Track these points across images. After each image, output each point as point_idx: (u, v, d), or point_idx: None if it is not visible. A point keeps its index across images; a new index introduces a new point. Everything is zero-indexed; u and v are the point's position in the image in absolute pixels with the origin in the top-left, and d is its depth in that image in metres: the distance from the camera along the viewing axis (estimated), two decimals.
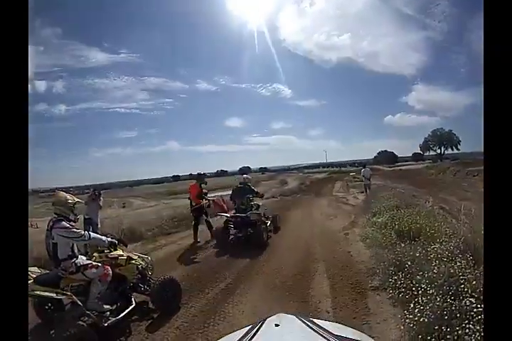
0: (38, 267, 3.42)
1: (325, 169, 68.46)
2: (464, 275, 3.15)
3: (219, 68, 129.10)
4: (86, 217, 7.12)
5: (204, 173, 8.09)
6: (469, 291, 2.83)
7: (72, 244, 3.31)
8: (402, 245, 5.02)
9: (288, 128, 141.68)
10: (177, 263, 6.04)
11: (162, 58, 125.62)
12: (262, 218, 7.27)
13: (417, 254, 4.22)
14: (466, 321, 2.47)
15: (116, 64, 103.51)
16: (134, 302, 3.60)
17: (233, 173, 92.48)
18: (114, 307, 3.39)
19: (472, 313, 2.51)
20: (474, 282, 2.95)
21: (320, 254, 5.89)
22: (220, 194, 12.56)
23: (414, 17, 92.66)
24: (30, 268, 3.20)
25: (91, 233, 3.43)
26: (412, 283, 3.50)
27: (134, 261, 3.81)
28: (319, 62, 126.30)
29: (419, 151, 72.28)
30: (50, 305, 3.29)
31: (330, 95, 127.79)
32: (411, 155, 79.00)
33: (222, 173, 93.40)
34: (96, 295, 3.22)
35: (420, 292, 3.13)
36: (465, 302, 2.66)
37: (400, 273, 3.91)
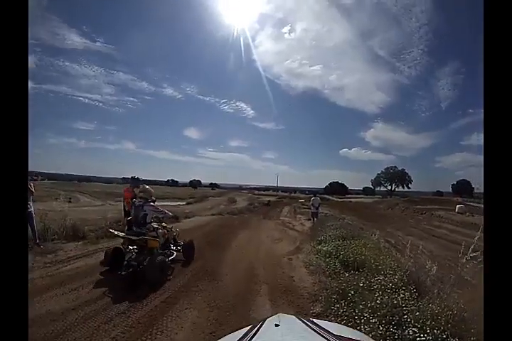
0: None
1: (275, 193, 69.90)
2: (407, 307, 3.33)
3: (187, 76, 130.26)
4: None
5: (138, 177, 8.10)
6: (412, 321, 2.98)
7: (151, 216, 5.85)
8: (346, 274, 5.23)
9: (244, 148, 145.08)
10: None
11: (136, 55, 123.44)
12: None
13: (361, 284, 4.38)
14: None
15: (90, 51, 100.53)
16: (175, 252, 6.33)
17: (183, 184, 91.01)
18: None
19: None
20: (417, 313, 3.12)
21: (263, 277, 5.85)
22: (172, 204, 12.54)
23: (387, 59, 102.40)
24: (118, 232, 5.76)
25: (165, 210, 6.03)
26: (354, 311, 3.59)
27: (173, 230, 6.80)
28: (286, 88, 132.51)
29: (370, 186, 77.69)
30: (117, 254, 5.55)
31: (290, 121, 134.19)
32: (362, 188, 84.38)
33: (173, 183, 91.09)
34: (160, 245, 5.82)
35: (363, 320, 3.23)
36: (408, 332, 2.79)
37: (342, 302, 4.02)
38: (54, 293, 4.39)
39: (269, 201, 35.85)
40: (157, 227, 6.01)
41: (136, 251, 5.53)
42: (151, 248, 5.51)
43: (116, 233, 5.79)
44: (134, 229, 5.68)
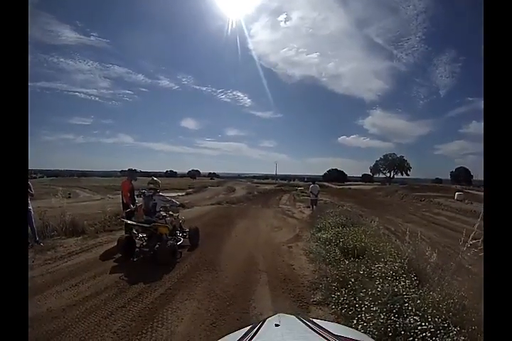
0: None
1: (273, 181, 70.04)
2: (408, 295, 3.33)
3: (184, 67, 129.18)
4: None
5: (135, 169, 8.14)
6: (413, 310, 2.99)
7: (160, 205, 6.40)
8: (346, 262, 5.23)
9: (242, 137, 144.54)
10: (114, 263, 5.83)
11: (131, 48, 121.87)
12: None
13: (361, 272, 4.40)
14: (411, 338, 2.60)
15: (84, 46, 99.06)
16: (182, 238, 6.95)
17: (182, 175, 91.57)
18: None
19: (416, 331, 2.65)
20: (418, 301, 3.13)
21: (262, 265, 5.89)
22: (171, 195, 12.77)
23: (384, 47, 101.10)
24: (131, 221, 6.24)
25: (173, 200, 6.76)
26: (355, 299, 3.61)
27: (179, 217, 7.35)
28: (283, 77, 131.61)
29: (369, 173, 77.73)
30: (129, 242, 6.04)
31: (288, 109, 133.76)
32: (360, 175, 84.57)
33: (171, 174, 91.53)
34: (168, 232, 6.27)
35: (364, 308, 3.24)
36: (409, 320, 2.80)
37: (343, 290, 4.04)
38: (54, 289, 4.39)
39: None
40: (165, 215, 6.51)
41: (146, 238, 6.19)
42: (161, 234, 6.08)
43: (129, 222, 6.28)
44: (145, 217, 6.25)
